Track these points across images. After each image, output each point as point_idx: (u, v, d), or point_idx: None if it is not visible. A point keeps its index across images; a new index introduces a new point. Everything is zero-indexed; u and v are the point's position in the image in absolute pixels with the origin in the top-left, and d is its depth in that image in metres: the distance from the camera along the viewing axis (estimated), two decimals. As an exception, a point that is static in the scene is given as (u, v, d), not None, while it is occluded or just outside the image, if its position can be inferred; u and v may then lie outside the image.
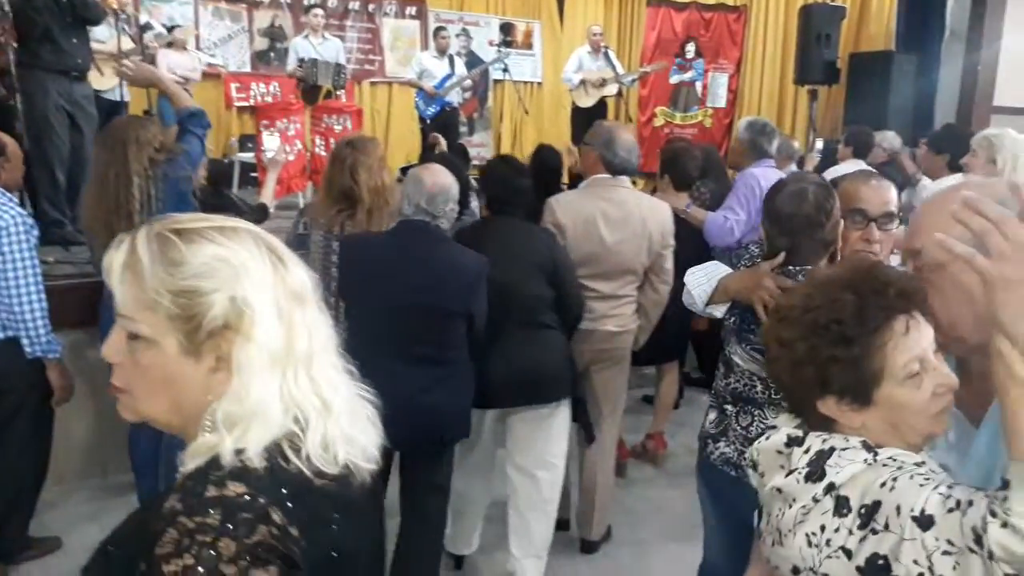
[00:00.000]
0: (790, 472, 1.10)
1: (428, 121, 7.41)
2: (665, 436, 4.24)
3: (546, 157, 3.92)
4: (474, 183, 3.92)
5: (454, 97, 7.58)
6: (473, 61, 8.75)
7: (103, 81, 5.39)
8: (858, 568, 0.98)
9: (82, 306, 3.37)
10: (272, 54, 8.61)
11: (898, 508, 0.96)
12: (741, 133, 4.01)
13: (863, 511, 0.99)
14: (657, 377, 4.26)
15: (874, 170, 2.94)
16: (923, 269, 1.16)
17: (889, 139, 5.50)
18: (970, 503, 0.91)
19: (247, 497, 0.85)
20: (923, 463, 1.05)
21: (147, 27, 6.72)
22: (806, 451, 1.10)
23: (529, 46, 10.00)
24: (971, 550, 0.89)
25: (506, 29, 9.85)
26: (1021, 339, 0.91)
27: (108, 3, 5.03)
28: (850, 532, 0.99)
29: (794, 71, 8.47)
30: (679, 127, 10.33)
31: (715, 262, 2.37)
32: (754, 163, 3.89)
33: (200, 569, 0.80)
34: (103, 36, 5.35)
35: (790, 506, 1.07)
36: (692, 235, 3.72)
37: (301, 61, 6.88)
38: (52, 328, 2.82)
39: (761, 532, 1.19)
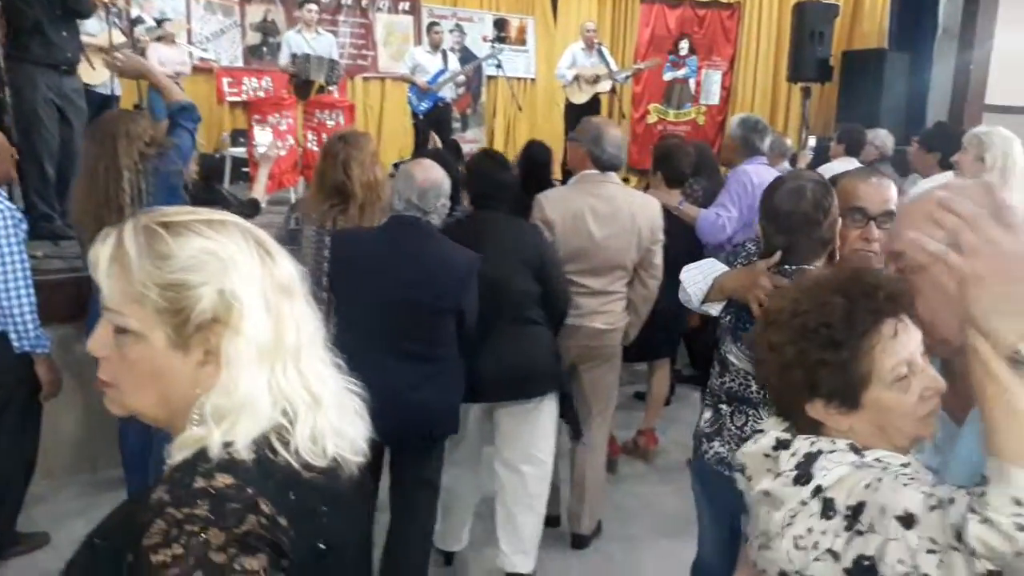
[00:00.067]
0: (778, 475, 1.10)
1: (421, 116, 7.40)
2: (656, 432, 4.25)
3: (535, 153, 3.92)
4: (467, 179, 3.92)
5: (447, 92, 7.57)
6: (467, 57, 8.74)
7: (94, 75, 5.36)
8: (845, 570, 0.98)
9: (71, 301, 3.35)
10: (264, 49, 8.57)
11: (882, 509, 0.96)
12: (733, 130, 4.01)
13: (849, 513, 1.00)
14: (649, 374, 4.26)
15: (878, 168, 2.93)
16: (906, 271, 1.16)
17: (881, 137, 5.52)
18: (951, 501, 0.92)
19: (235, 488, 0.85)
20: (909, 464, 1.06)
21: (138, 21, 6.67)
22: (793, 454, 1.10)
23: (523, 42, 9.98)
24: (953, 547, 0.89)
25: (500, 25, 9.84)
26: (995, 335, 0.92)
27: (99, -4, 5.00)
28: (836, 534, 1.00)
29: (787, 68, 8.49)
30: (672, 124, 10.34)
31: (711, 259, 2.37)
32: (746, 160, 3.89)
33: (189, 558, 0.80)
34: (94, 30, 5.32)
35: (778, 509, 1.07)
36: (684, 232, 3.72)
37: (294, 56, 6.85)
38: (41, 323, 2.81)
39: (748, 536, 1.19)
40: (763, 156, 3.98)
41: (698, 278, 2.26)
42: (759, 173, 3.75)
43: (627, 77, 8.52)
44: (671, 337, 4.20)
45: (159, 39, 6.71)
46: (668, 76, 10.39)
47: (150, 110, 5.43)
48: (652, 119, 10.44)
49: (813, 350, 1.09)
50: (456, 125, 8.62)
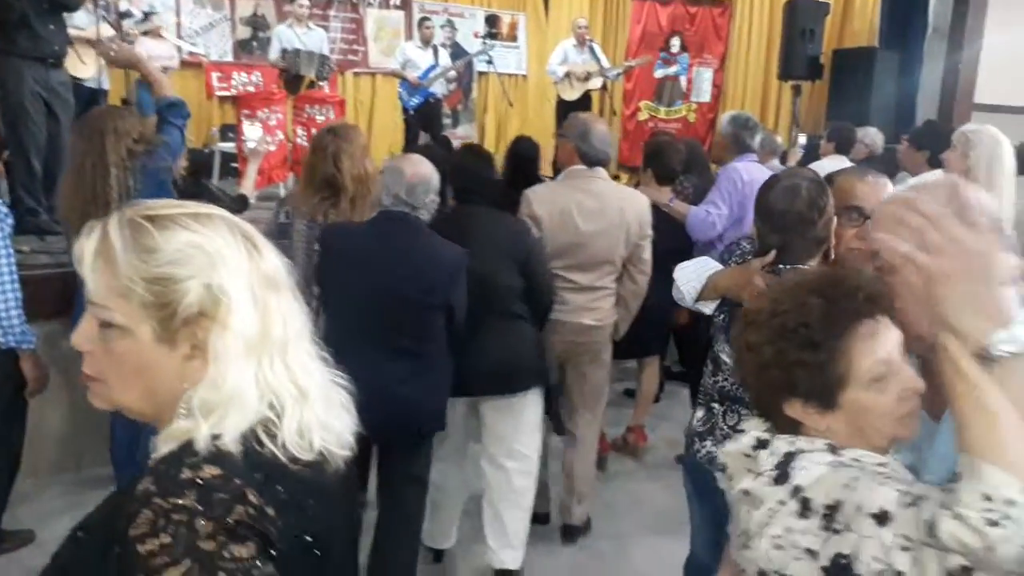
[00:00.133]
0: (757, 475, 1.10)
1: (411, 112, 7.38)
2: (645, 430, 4.26)
3: (523, 149, 3.92)
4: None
5: (438, 88, 7.55)
6: (458, 52, 8.72)
7: (83, 69, 5.31)
8: (823, 569, 0.98)
9: (57, 296, 3.33)
10: (254, 43, 8.53)
11: (858, 507, 0.97)
12: (724, 127, 4.01)
13: (826, 512, 1.00)
14: (638, 371, 4.27)
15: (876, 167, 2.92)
16: (882, 271, 1.17)
17: (871, 135, 5.54)
18: (925, 497, 0.93)
19: (223, 479, 0.85)
20: (886, 464, 1.06)
21: (127, 14, 6.62)
22: (772, 454, 1.11)
23: (514, 38, 9.97)
24: (926, 544, 0.90)
25: (491, 21, 9.82)
26: (962, 332, 0.93)
27: (87, -11, 4.95)
28: (814, 534, 1.00)
29: (778, 66, 8.50)
30: (663, 121, 10.35)
31: (705, 258, 2.37)
32: (737, 158, 3.89)
33: (178, 547, 0.80)
34: (83, 23, 5.28)
35: (757, 509, 1.08)
36: (674, 229, 3.72)
37: (284, 51, 6.82)
38: (26, 318, 2.78)
39: (730, 535, 1.20)
40: (753, 153, 3.99)
41: (692, 276, 2.26)
42: (749, 170, 3.76)
43: (618, 74, 8.52)
44: (661, 334, 4.21)
45: (145, 33, 6.66)
46: (659, 73, 10.41)
47: (137, 105, 5.39)
48: (643, 116, 10.46)
49: (791, 350, 1.10)
50: (447, 121, 8.60)
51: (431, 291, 2.49)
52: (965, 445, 0.92)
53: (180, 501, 0.82)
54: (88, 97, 5.26)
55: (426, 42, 7.55)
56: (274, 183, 6.44)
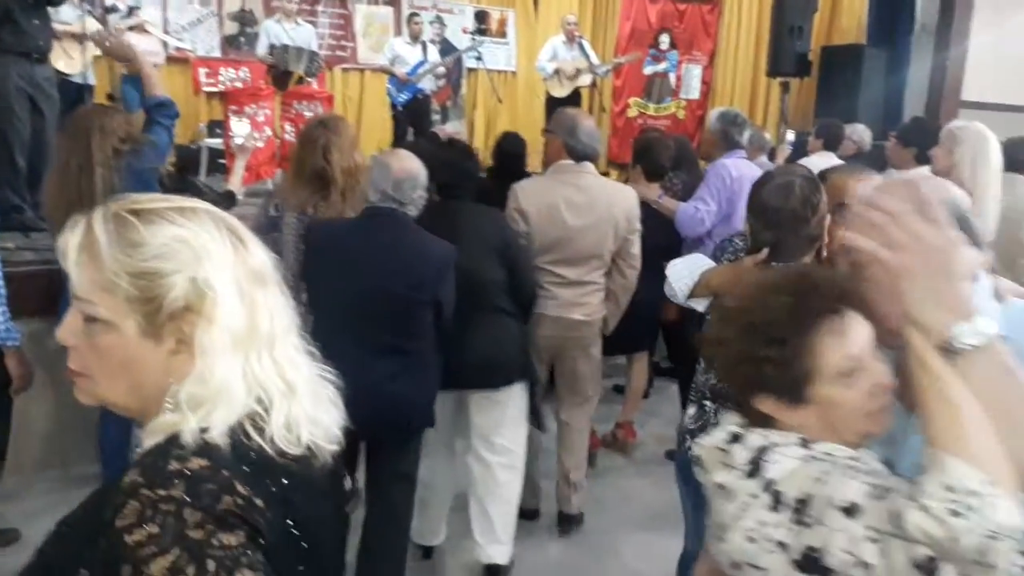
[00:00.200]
0: (731, 469, 1.11)
1: (400, 108, 7.35)
2: (635, 425, 4.26)
3: (508, 144, 3.92)
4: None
5: (427, 84, 7.53)
6: (447, 48, 8.70)
7: (69, 64, 5.27)
8: (794, 562, 0.99)
9: (42, 293, 3.30)
10: (242, 39, 8.47)
11: (829, 500, 0.98)
12: (712, 124, 4.02)
13: (797, 506, 1.01)
14: (627, 367, 4.27)
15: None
16: (855, 266, 1.18)
17: (859, 132, 5.56)
18: (893, 490, 0.94)
19: (210, 470, 0.84)
20: (858, 457, 1.07)
21: (113, 9, 6.56)
22: (746, 448, 1.12)
23: (503, 35, 9.95)
24: (893, 535, 0.91)
25: (480, 17, 9.79)
26: (926, 326, 0.94)
27: (73, -17, 4.91)
28: (786, 527, 1.01)
29: (766, 63, 8.52)
30: (652, 118, 10.36)
31: (697, 255, 2.37)
32: (725, 154, 3.90)
33: (166, 536, 0.79)
34: (69, 18, 5.23)
35: (731, 502, 1.09)
36: (663, 225, 3.73)
37: (272, 47, 6.78)
38: (11, 316, 2.76)
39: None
40: (742, 150, 4.00)
41: (684, 273, 2.26)
42: (738, 167, 3.78)
43: (607, 71, 8.53)
44: (650, 330, 4.21)
45: (131, 28, 6.60)
46: (648, 70, 10.41)
47: (124, 102, 5.34)
48: (632, 113, 10.46)
49: (758, 346, 1.11)
50: (436, 117, 8.57)
51: (419, 287, 2.48)
52: (929, 437, 0.93)
53: (168, 492, 0.81)
54: (74, 92, 5.21)
55: (415, 38, 7.52)
56: (262, 179, 6.40)
